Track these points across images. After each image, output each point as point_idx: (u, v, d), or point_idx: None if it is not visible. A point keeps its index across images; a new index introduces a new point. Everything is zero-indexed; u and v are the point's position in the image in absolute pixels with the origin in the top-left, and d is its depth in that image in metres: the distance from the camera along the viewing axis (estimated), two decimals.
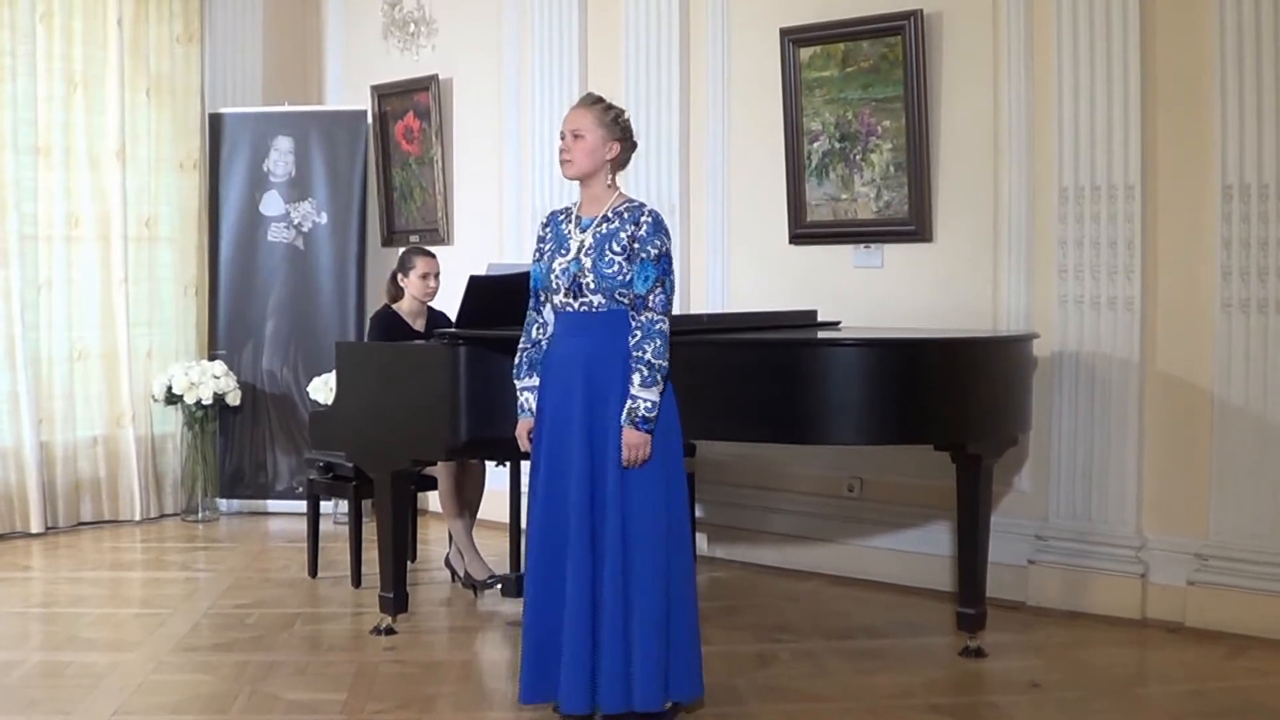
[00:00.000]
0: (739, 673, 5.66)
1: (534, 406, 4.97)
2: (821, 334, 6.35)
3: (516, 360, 5.06)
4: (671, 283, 4.84)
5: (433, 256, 7.34)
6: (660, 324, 4.76)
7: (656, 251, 4.78)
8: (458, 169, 9.58)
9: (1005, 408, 6.03)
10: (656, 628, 4.76)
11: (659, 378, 4.73)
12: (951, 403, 5.78)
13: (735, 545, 7.97)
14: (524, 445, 5.04)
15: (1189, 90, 6.44)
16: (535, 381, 4.98)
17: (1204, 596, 6.34)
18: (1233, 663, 5.86)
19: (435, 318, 7.32)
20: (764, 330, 6.35)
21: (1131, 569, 6.56)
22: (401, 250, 7.92)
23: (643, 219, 4.81)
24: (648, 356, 4.71)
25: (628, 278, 4.77)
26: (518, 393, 5.05)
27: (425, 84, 9.58)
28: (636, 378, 4.71)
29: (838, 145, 7.50)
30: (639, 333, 4.75)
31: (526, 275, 5.97)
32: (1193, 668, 5.80)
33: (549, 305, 4.96)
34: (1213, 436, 6.37)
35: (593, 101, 4.97)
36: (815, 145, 7.59)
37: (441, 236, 9.54)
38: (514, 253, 9.03)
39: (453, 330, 6.23)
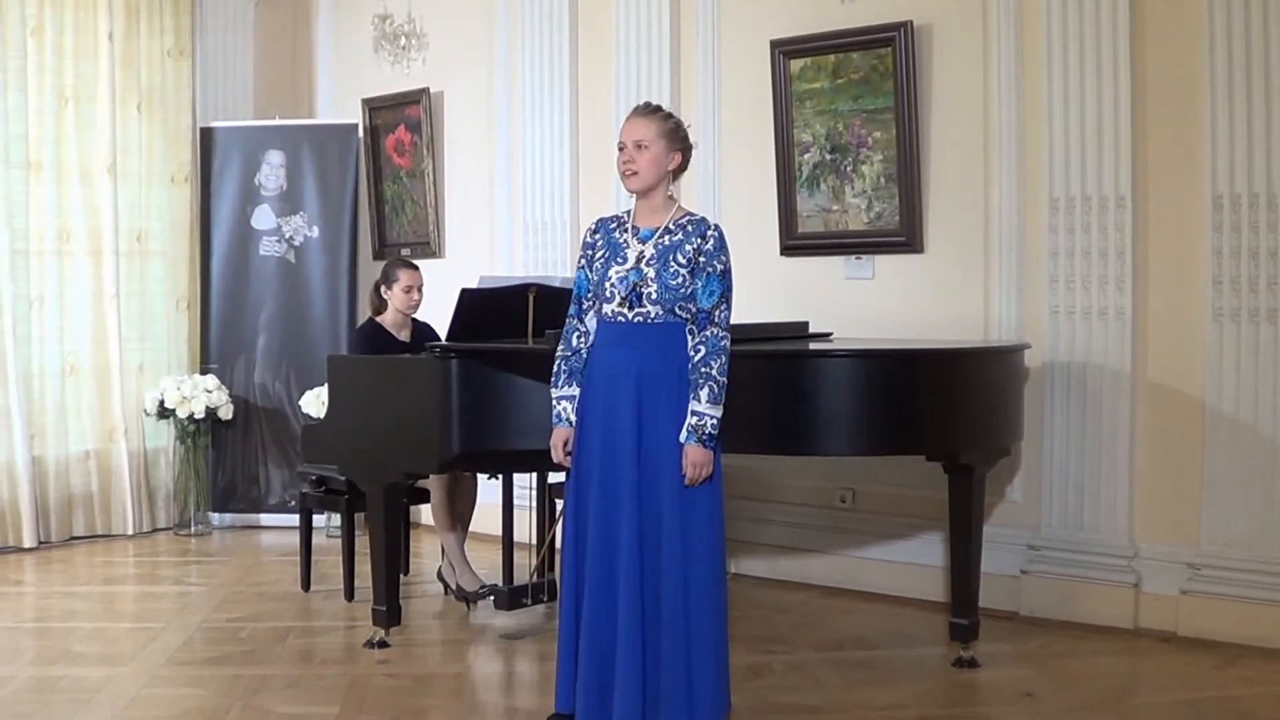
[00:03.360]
0: (730, 684, 5.64)
1: (572, 417, 4.87)
2: (813, 345, 6.35)
3: (555, 368, 4.93)
4: (732, 299, 4.79)
5: (416, 269, 7.32)
6: (725, 340, 4.70)
7: (722, 267, 4.74)
8: (449, 182, 9.58)
9: (997, 418, 6.04)
10: (709, 645, 4.74)
11: (723, 395, 4.67)
12: (943, 413, 5.78)
13: (727, 556, 7.94)
14: (558, 456, 4.91)
15: (1179, 100, 6.46)
16: (574, 391, 4.87)
17: (1196, 606, 6.34)
18: (1225, 672, 5.87)
19: (420, 329, 7.32)
20: (755, 342, 6.34)
21: (1124, 578, 6.57)
22: (384, 262, 7.92)
23: (709, 233, 4.75)
24: (714, 373, 4.64)
25: (690, 291, 4.70)
26: (554, 401, 4.92)
27: (416, 97, 9.59)
28: (704, 394, 4.63)
29: (828, 157, 7.52)
30: (703, 348, 4.67)
31: (519, 288, 5.94)
32: (1185, 677, 5.81)
33: (592, 313, 4.86)
34: (1204, 446, 6.39)
35: (652, 110, 4.87)
36: (806, 157, 7.60)
37: (433, 249, 9.55)
38: (505, 265, 9.04)
39: (445, 343, 6.22)
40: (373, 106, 9.92)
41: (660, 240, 4.75)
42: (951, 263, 7.15)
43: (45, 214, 8.99)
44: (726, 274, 4.77)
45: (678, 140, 4.83)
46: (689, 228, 4.77)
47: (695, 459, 4.65)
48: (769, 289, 7.77)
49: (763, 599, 7.34)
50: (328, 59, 10.42)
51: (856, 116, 7.40)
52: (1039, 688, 5.66)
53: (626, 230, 4.85)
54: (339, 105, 10.27)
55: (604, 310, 4.80)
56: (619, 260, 4.79)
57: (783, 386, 5.54)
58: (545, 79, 8.83)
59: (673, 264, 4.70)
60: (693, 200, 8.10)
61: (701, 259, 4.72)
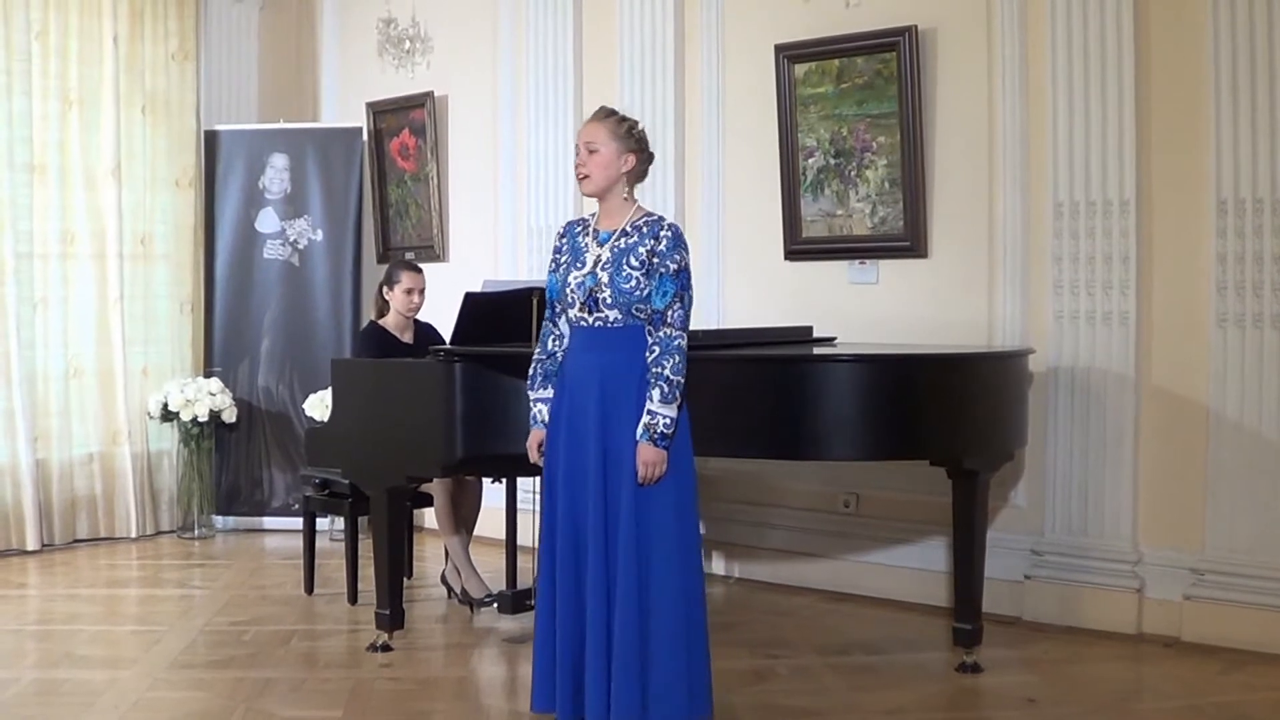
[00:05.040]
0: (734, 689, 5.65)
1: (546, 419, 4.92)
2: (817, 350, 6.35)
3: (531, 371, 4.99)
4: (690, 298, 4.77)
5: (419, 272, 7.32)
6: (679, 340, 4.69)
7: (675, 266, 4.71)
8: (453, 185, 9.59)
9: (1001, 423, 6.03)
10: (674, 645, 4.71)
11: (677, 394, 4.67)
12: (947, 418, 5.78)
13: (730, 561, 7.97)
14: (534, 457, 4.98)
15: (1183, 105, 6.46)
16: (549, 394, 4.92)
17: (1200, 611, 6.34)
18: (1228, 677, 5.86)
19: (423, 330, 7.32)
20: (759, 347, 6.35)
21: (1127, 584, 6.56)
22: (390, 263, 7.94)
23: (662, 233, 4.74)
24: (666, 373, 4.64)
25: (645, 293, 4.70)
26: (531, 404, 4.98)
27: (420, 101, 9.59)
28: (656, 394, 4.64)
29: (833, 161, 7.52)
30: (657, 348, 4.68)
31: (522, 292, 5.94)
32: (1188, 682, 5.80)
33: (564, 318, 4.91)
34: (1208, 451, 6.38)
35: (606, 114, 4.90)
36: (810, 161, 7.60)
37: (437, 253, 9.55)
38: (510, 269, 9.04)
39: (448, 347, 6.22)
40: (377, 110, 9.93)
41: (616, 243, 4.78)
42: (956, 267, 7.15)
43: (49, 217, 8.99)
44: (680, 273, 4.74)
45: (631, 142, 4.85)
46: (644, 229, 4.78)
47: (646, 458, 4.66)
48: (773, 294, 7.78)
49: (766, 603, 7.34)
50: (332, 62, 10.43)
51: (861, 121, 7.40)
52: (1042, 693, 5.65)
53: (589, 234, 4.89)
54: (343, 109, 10.27)
55: (570, 315, 4.86)
56: (579, 265, 4.84)
57: (786, 391, 5.54)
58: (549, 83, 8.84)
59: (625, 268, 4.72)
60: (696, 205, 8.13)
61: (655, 260, 4.72)
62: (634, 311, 4.71)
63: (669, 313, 4.70)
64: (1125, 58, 6.52)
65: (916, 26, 7.14)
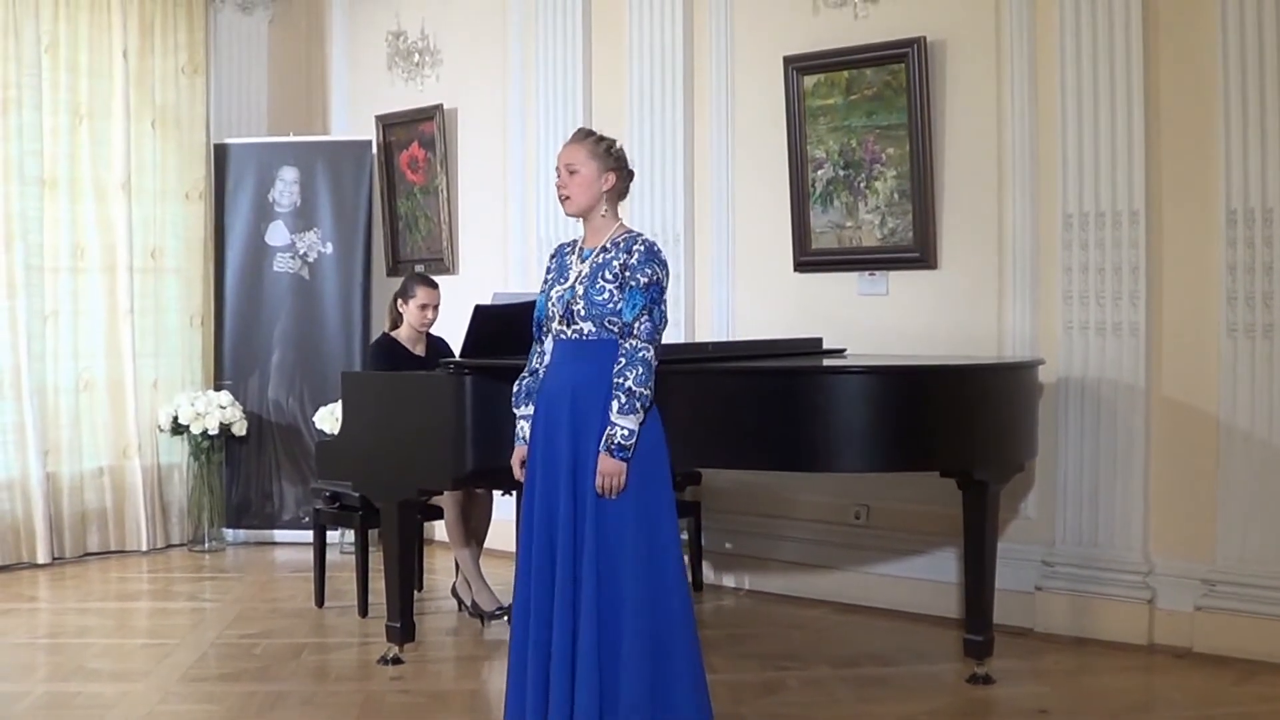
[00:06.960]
0: (745, 701, 5.65)
1: (528, 435, 4.96)
2: (826, 361, 6.35)
3: (515, 389, 5.06)
4: (660, 313, 4.81)
5: (434, 287, 7.33)
6: (644, 352, 4.72)
7: (646, 280, 4.75)
8: (463, 198, 9.60)
9: (1011, 434, 6.03)
10: (639, 658, 4.69)
11: (638, 405, 4.68)
12: (957, 429, 5.77)
13: (741, 573, 7.96)
14: (517, 474, 5.02)
15: (1193, 115, 6.45)
16: (531, 410, 4.97)
17: (1211, 622, 6.32)
18: (1240, 688, 5.84)
19: (435, 343, 7.33)
20: (769, 358, 6.35)
21: (1139, 594, 6.55)
22: (406, 275, 7.95)
23: (635, 247, 4.79)
24: (628, 384, 4.67)
25: (618, 306, 4.74)
26: (515, 421, 5.05)
27: (430, 114, 9.61)
28: (615, 404, 4.67)
29: (842, 173, 7.52)
30: (623, 359, 4.70)
31: (532, 304, 5.97)
32: (1200, 693, 5.79)
33: (549, 335, 4.95)
34: (1219, 461, 6.37)
35: (584, 135, 4.99)
36: (819, 173, 7.61)
37: (447, 266, 9.56)
38: (519, 282, 9.04)
39: (458, 359, 6.23)
40: (386, 123, 9.94)
41: (596, 259, 4.84)
42: (965, 278, 7.15)
43: (59, 230, 9.02)
44: (651, 287, 4.78)
45: (610, 161, 4.92)
46: (621, 244, 4.84)
47: (603, 469, 4.69)
48: (782, 305, 7.78)
49: (777, 615, 7.33)
50: (341, 76, 10.45)
51: (870, 132, 7.41)
52: (1053, 704, 5.64)
53: (575, 253, 4.96)
54: (353, 122, 10.29)
55: (552, 329, 4.91)
56: (562, 280, 4.91)
57: (796, 403, 5.53)
58: (559, 95, 8.84)
59: (600, 280, 4.78)
60: (706, 217, 8.14)
61: (627, 273, 4.77)
62: (606, 324, 4.76)
63: (637, 324, 4.73)
64: (1134, 67, 6.52)
65: (925, 38, 7.15)
